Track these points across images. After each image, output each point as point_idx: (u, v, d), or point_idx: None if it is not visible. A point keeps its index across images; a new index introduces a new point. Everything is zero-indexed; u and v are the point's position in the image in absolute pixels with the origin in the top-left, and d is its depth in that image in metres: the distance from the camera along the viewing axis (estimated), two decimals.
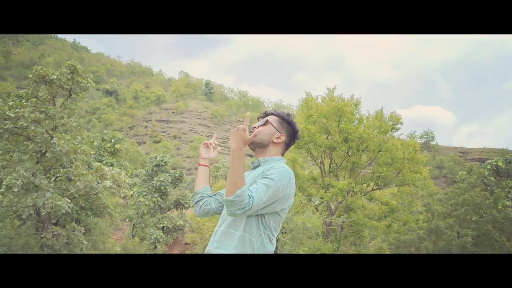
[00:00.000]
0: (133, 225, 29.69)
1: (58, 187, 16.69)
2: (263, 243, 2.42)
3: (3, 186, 16.20)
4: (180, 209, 29.37)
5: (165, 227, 27.72)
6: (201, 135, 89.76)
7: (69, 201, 15.71)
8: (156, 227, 27.62)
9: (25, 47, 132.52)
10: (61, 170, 16.96)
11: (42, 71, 16.35)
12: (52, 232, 16.59)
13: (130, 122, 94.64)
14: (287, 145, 2.76)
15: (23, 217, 15.75)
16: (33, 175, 15.77)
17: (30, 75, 16.44)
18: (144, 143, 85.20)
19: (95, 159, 20.00)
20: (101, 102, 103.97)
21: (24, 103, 16.21)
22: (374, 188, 22.70)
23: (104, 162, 20.00)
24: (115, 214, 20.75)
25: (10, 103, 16.41)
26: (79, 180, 16.64)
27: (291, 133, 2.74)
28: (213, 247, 2.48)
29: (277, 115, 2.74)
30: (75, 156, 16.59)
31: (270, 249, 2.45)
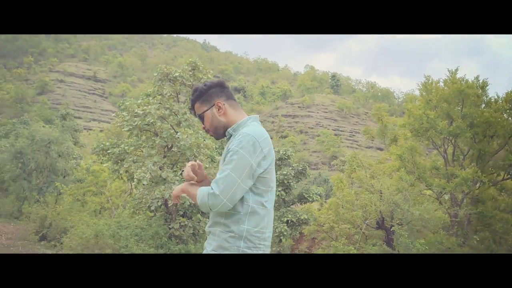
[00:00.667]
0: None
1: (184, 180, 17.42)
2: (254, 211, 2.43)
3: (135, 180, 17.32)
4: (304, 203, 29.26)
5: (289, 221, 27.76)
6: (328, 128, 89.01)
7: None
8: (281, 221, 27.76)
9: (159, 49, 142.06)
10: (186, 163, 17.69)
11: (166, 69, 17.19)
12: (180, 223, 17.36)
13: None
14: (228, 99, 2.65)
15: (152, 208, 16.69)
16: (160, 169, 16.61)
17: (155, 74, 17.36)
18: (271, 138, 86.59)
19: (218, 153, 20.57)
20: None
21: (151, 101, 17.16)
22: (505, 177, 20.54)
23: None
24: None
25: (139, 101, 17.48)
26: None
27: (217, 91, 2.62)
28: (207, 226, 2.59)
29: (195, 100, 2.65)
30: (198, 150, 17.18)
31: (262, 212, 2.46)
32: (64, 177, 27.11)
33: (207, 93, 2.60)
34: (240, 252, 2.39)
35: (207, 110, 2.60)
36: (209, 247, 2.48)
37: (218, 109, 2.58)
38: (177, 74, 17.05)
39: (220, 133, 2.64)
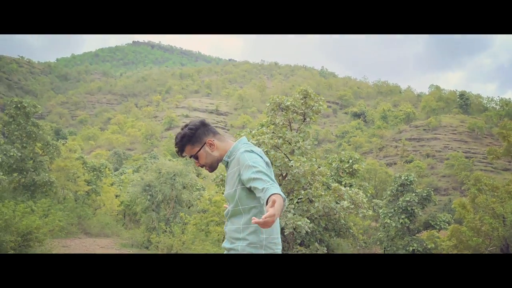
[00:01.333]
0: (384, 248, 29.04)
1: (300, 208, 17.32)
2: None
3: None
4: (430, 231, 27.60)
5: (415, 250, 26.31)
6: (458, 151, 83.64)
7: (309, 221, 16.08)
8: (406, 250, 26.42)
9: (277, 80, 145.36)
10: (302, 192, 17.58)
11: (277, 99, 17.37)
12: (297, 251, 17.18)
13: (379, 143, 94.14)
14: (215, 134, 2.87)
15: None
16: None
17: (267, 104, 17.62)
18: (395, 163, 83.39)
19: (334, 180, 20.21)
20: (349, 125, 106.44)
21: (264, 130, 17.40)
22: None
23: (343, 183, 20.04)
24: (358, 235, 20.56)
25: (253, 132, 17.82)
26: (318, 201, 16.98)
27: (203, 130, 2.83)
28: (226, 244, 2.70)
29: (185, 144, 2.80)
30: (312, 177, 17.00)
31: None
32: (189, 207, 28.28)
33: (195, 135, 2.80)
34: None
35: (200, 150, 2.80)
36: None
37: (210, 146, 2.80)
38: (288, 103, 17.16)
39: (215, 166, 2.83)
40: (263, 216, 2.18)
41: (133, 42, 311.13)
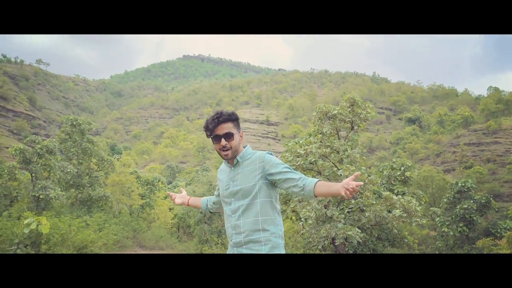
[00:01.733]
0: None
1: (350, 218, 16.98)
2: (279, 215, 2.94)
3: (302, 219, 17.34)
4: (485, 239, 26.42)
5: None
6: None
7: (360, 231, 15.73)
8: None
9: (328, 88, 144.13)
10: (353, 201, 17.23)
11: (324, 108, 17.17)
12: None
13: (436, 149, 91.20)
14: None
15: (319, 247, 16.46)
16: (325, 207, 16.42)
17: (314, 113, 17.45)
18: (453, 170, 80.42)
19: (386, 188, 19.68)
20: (404, 132, 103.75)
21: (312, 140, 17.21)
22: None
23: (395, 191, 19.49)
24: (414, 245, 19.93)
25: (301, 141, 17.68)
26: (369, 210, 16.60)
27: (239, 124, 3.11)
28: (242, 237, 2.84)
29: (230, 119, 2.99)
30: (362, 186, 16.63)
31: (280, 216, 2.96)
32: None
33: (238, 121, 3.08)
34: (281, 248, 2.80)
35: (237, 133, 3.01)
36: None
37: (241, 138, 3.06)
38: (335, 111, 16.92)
39: (235, 155, 3.00)
40: (355, 185, 2.44)
41: (184, 56, 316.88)
